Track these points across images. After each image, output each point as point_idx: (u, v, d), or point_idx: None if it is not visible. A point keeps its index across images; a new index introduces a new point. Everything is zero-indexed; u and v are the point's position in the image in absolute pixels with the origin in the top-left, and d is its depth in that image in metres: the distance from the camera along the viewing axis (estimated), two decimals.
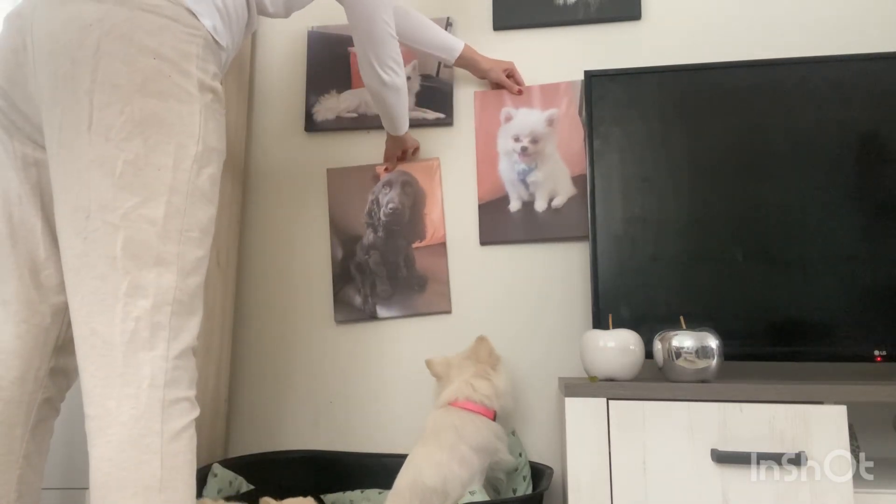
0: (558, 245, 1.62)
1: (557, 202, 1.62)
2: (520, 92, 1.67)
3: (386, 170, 1.72)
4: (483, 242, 1.64)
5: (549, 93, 1.67)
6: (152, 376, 0.88)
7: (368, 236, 1.69)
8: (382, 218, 1.69)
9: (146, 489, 0.83)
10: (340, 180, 1.74)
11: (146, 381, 0.87)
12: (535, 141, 1.65)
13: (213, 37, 1.02)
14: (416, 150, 1.69)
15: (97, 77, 0.91)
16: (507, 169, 1.65)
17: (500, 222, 1.64)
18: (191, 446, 0.90)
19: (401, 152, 1.68)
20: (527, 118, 1.66)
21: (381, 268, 1.67)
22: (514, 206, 1.64)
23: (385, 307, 1.66)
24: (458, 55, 1.62)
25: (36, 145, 1.03)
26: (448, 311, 1.63)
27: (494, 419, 1.34)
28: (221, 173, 1.06)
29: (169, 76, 0.94)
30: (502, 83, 1.66)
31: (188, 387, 0.93)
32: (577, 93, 1.65)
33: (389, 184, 1.71)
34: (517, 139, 1.66)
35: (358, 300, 1.67)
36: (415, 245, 1.67)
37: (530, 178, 1.64)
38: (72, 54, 0.92)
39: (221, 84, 1.09)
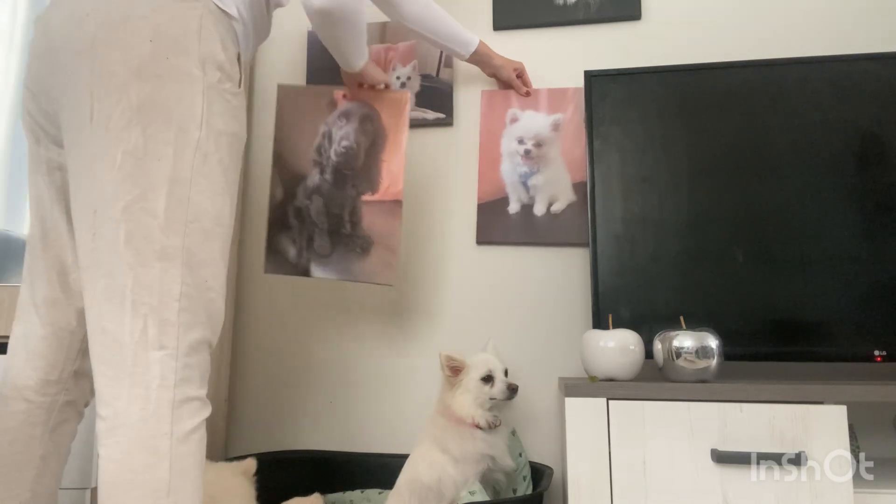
0: (556, 248, 1.61)
1: (556, 207, 1.61)
2: (527, 94, 1.67)
3: (345, 97, 1.44)
4: (480, 242, 1.64)
5: (557, 97, 1.66)
6: (162, 376, 0.86)
7: (314, 177, 1.43)
8: (332, 157, 1.42)
9: (154, 492, 0.82)
10: (293, 103, 1.46)
11: (155, 382, 0.85)
12: (539, 144, 1.64)
13: (216, 5, 0.96)
14: (387, 86, 1.45)
15: (95, 67, 0.89)
16: (509, 170, 1.65)
17: (498, 223, 1.63)
18: (200, 448, 0.88)
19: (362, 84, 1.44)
20: (532, 121, 1.66)
21: (323, 218, 1.42)
22: (514, 208, 1.63)
23: (320, 266, 1.43)
24: (473, 50, 1.58)
25: (60, 148, 1.01)
26: (390, 284, 1.42)
27: (489, 427, 1.31)
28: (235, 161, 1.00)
29: (166, 58, 0.90)
30: (511, 82, 1.65)
31: (200, 385, 0.90)
32: (582, 99, 1.64)
33: (346, 115, 1.42)
34: (521, 141, 1.65)
35: (292, 252, 1.44)
36: (365, 197, 1.41)
37: (531, 182, 1.63)
38: (72, 48, 0.91)
39: (240, 62, 1.02)
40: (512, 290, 1.63)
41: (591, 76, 1.51)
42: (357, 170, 1.41)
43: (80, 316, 1.02)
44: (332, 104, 1.44)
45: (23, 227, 1.81)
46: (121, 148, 0.88)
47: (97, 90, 0.89)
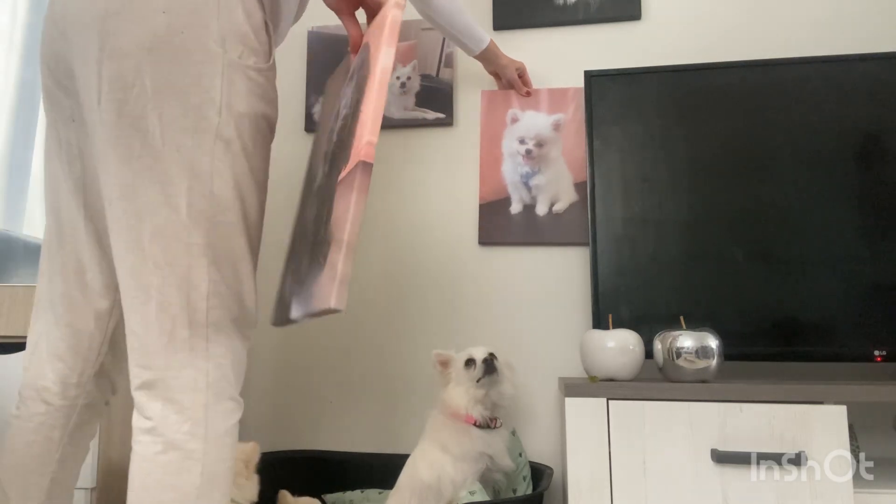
0: (559, 247, 1.61)
1: (559, 207, 1.61)
2: (528, 94, 1.66)
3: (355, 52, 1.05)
4: (482, 243, 1.64)
5: (557, 97, 1.66)
6: (194, 379, 0.83)
7: (321, 173, 1.00)
8: (333, 139, 0.98)
9: (184, 496, 0.80)
10: (328, 97, 1.09)
11: (188, 385, 0.82)
12: (540, 144, 1.64)
13: None
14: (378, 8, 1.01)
15: (105, 44, 0.82)
16: (511, 171, 1.65)
17: (500, 224, 1.64)
18: (232, 452, 0.86)
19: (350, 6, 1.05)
20: (533, 121, 1.66)
21: (312, 226, 0.95)
22: (516, 208, 1.63)
23: (294, 299, 0.90)
24: (484, 48, 1.55)
25: (80, 127, 0.94)
26: (330, 308, 0.77)
27: (486, 423, 1.30)
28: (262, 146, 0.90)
29: (181, 32, 0.82)
30: (513, 82, 1.64)
31: (233, 386, 0.87)
32: (583, 99, 1.63)
33: (353, 75, 1.01)
34: (522, 141, 1.65)
35: (286, 287, 0.98)
36: (340, 176, 0.88)
37: (533, 182, 1.63)
38: (81, 18, 0.85)
39: (269, 31, 0.93)
40: (512, 290, 1.63)
41: (591, 76, 1.51)
42: (345, 142, 0.92)
43: (99, 317, 0.98)
44: (346, 70, 1.09)
45: (22, 226, 1.81)
46: (137, 138, 0.82)
47: (107, 70, 0.82)
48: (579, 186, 1.61)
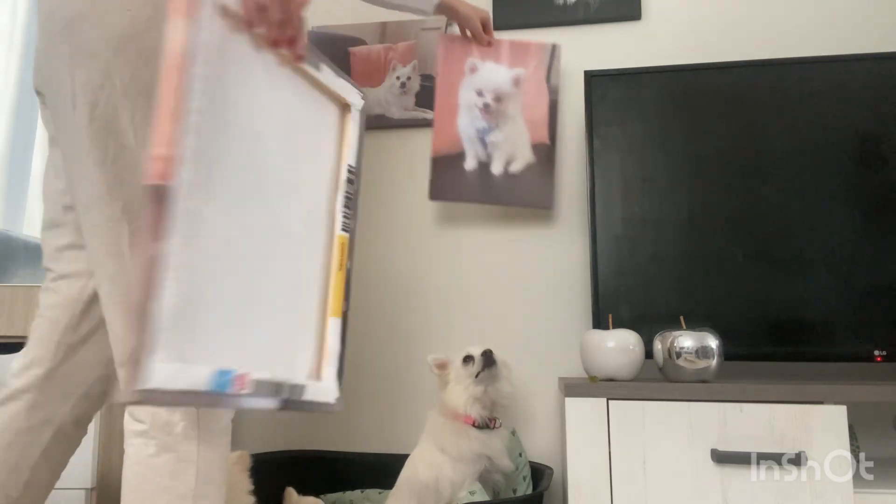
0: (557, 243, 1.61)
1: (514, 167, 1.56)
2: (489, 44, 1.58)
3: None
4: (433, 198, 1.58)
5: (519, 51, 1.60)
6: None
7: None
8: None
9: (180, 498, 0.80)
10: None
11: None
12: (498, 99, 1.57)
13: None
14: None
15: (74, 47, 0.82)
16: (467, 124, 1.57)
17: (453, 179, 1.57)
18: (226, 453, 0.86)
19: None
20: (493, 74, 1.58)
21: None
22: (470, 164, 1.57)
23: None
24: (436, 2, 1.44)
25: None
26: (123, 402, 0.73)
27: (484, 424, 1.30)
28: None
29: (146, 28, 0.80)
30: (475, 33, 1.55)
31: None
32: (546, 57, 1.59)
33: None
34: (480, 93, 1.58)
35: None
36: None
37: (489, 138, 1.57)
38: (53, 26, 0.84)
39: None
40: (511, 290, 1.62)
41: (591, 76, 1.51)
42: None
43: (71, 306, 0.95)
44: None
45: (22, 226, 1.81)
46: (111, 139, 0.81)
47: (78, 73, 0.81)
48: (537, 148, 1.56)
